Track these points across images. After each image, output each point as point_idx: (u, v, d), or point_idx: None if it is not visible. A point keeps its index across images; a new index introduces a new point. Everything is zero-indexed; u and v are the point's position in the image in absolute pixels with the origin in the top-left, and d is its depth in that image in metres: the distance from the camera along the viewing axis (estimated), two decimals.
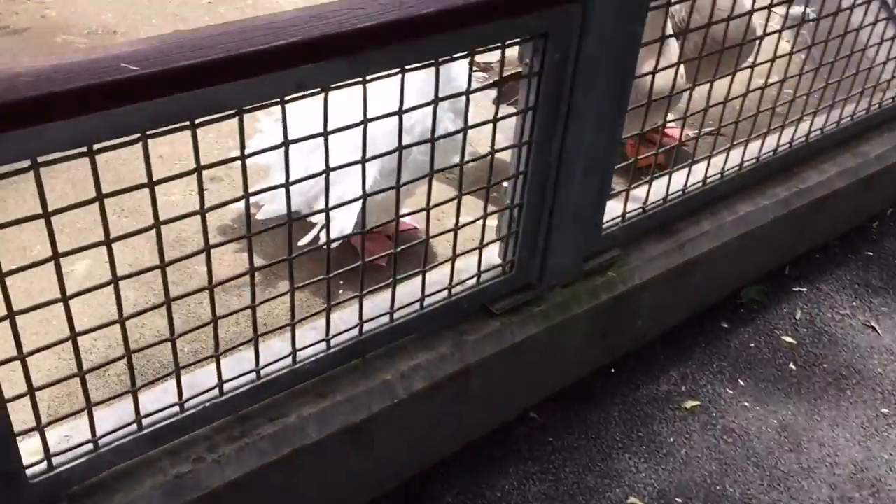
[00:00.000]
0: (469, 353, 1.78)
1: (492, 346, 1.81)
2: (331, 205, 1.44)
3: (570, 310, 1.93)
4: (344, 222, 2.11)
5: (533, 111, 1.62)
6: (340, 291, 2.18)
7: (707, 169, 2.15)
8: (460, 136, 2.29)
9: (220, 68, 1.16)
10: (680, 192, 2.12)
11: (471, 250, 1.75)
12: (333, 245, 1.55)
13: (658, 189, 2.05)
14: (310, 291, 2.18)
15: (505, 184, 1.73)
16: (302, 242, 2.10)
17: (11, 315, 1.16)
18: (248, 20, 1.25)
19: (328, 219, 1.50)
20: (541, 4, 1.48)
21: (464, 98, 2.22)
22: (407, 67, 1.37)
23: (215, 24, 1.23)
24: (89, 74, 1.08)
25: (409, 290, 1.70)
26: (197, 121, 1.20)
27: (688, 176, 2.11)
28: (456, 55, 1.44)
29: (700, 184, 2.15)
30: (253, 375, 1.52)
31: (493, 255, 1.83)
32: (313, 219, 2.21)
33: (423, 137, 2.16)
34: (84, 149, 1.12)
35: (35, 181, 1.10)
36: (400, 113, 1.42)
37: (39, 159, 1.09)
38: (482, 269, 1.78)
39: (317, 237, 2.13)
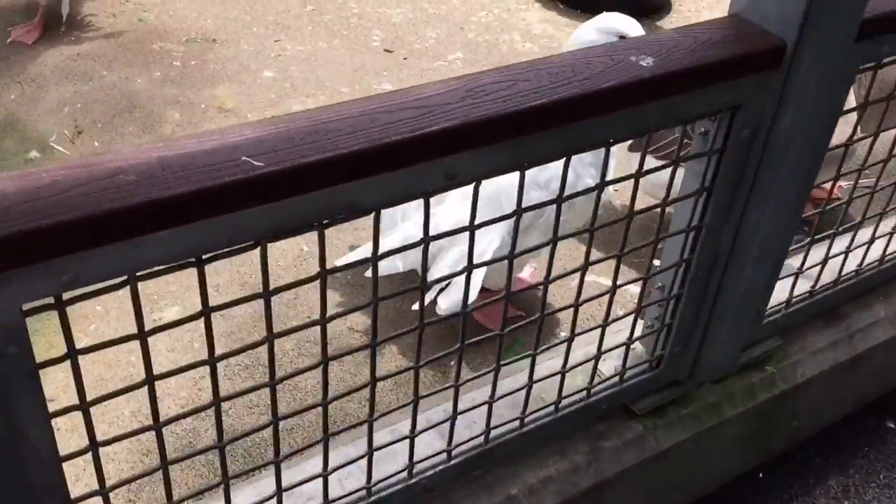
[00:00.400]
0: (607, 462, 1.52)
1: (632, 455, 1.55)
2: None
3: (723, 412, 1.65)
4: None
5: (708, 193, 1.35)
6: (451, 363, 1.95)
7: (887, 246, 1.83)
8: (600, 194, 2.02)
9: (359, 162, 0.94)
10: (853, 273, 1.81)
11: (615, 347, 1.49)
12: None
13: (828, 268, 1.74)
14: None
15: (657, 261, 1.46)
16: (415, 307, 1.87)
17: (94, 449, 0.97)
18: (389, 95, 1.01)
19: (463, 315, 1.27)
20: (738, 72, 1.21)
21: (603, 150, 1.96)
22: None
23: (349, 101, 0.99)
24: (204, 173, 0.86)
25: (540, 387, 1.45)
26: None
27: (865, 254, 1.80)
28: (633, 135, 1.19)
29: (876, 262, 1.84)
30: (363, 493, 1.30)
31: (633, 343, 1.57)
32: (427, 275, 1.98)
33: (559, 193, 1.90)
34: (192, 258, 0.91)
35: (132, 299, 0.89)
36: (560, 202, 1.17)
37: (138, 273, 0.88)
38: (627, 365, 1.52)
39: (433, 301, 1.90)
